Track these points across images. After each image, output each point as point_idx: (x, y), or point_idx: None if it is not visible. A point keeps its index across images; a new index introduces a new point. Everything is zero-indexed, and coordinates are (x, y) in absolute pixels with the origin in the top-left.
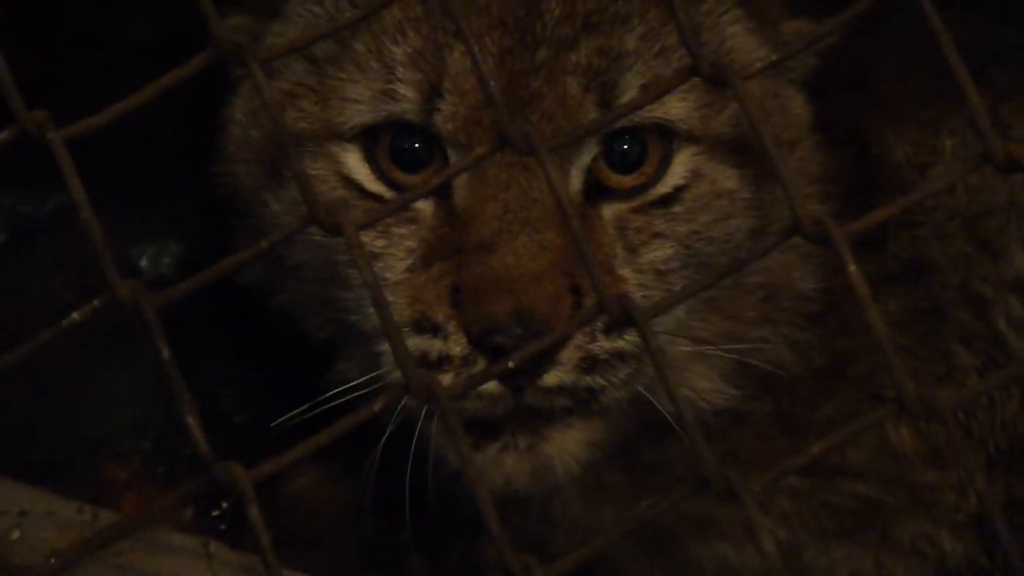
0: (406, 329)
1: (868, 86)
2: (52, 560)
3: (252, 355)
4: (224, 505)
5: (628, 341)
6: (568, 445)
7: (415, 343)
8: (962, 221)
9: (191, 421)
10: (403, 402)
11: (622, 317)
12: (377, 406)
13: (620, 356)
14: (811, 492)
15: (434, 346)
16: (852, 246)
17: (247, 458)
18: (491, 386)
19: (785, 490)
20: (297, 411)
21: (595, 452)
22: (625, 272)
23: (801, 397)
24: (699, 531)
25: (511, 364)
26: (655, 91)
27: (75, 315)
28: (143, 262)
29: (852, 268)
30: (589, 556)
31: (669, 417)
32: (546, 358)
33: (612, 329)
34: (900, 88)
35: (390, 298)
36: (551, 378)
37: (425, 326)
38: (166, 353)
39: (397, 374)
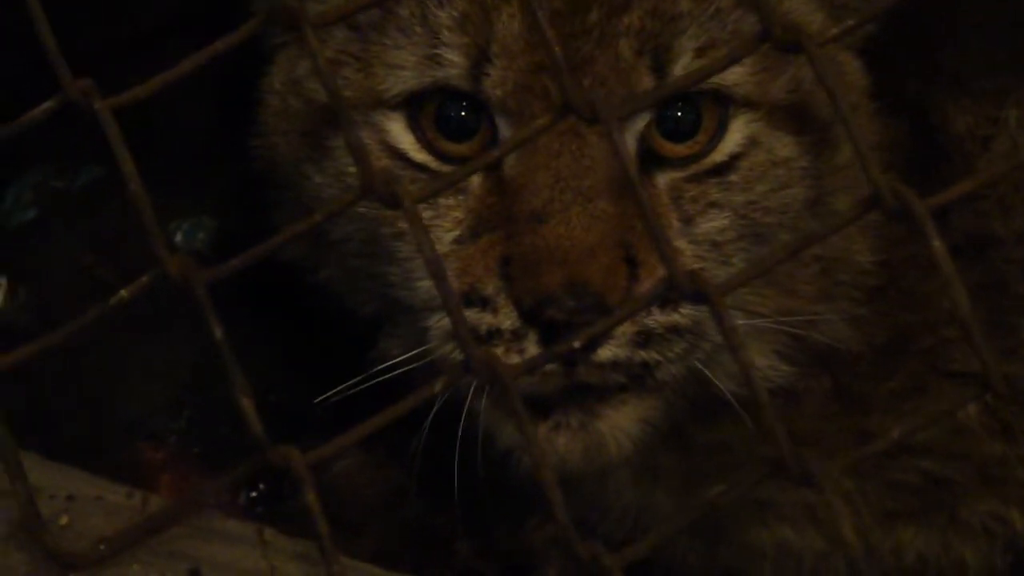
0: None
1: (927, 55)
2: (102, 547)
3: (291, 333)
4: (261, 487)
5: (684, 315)
6: (622, 423)
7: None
8: None
9: (245, 403)
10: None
11: (693, 293)
12: (438, 387)
13: (675, 330)
14: (876, 471)
15: (484, 320)
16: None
17: (286, 439)
18: None
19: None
20: (340, 388)
21: (649, 431)
22: (681, 243)
23: (862, 374)
24: (760, 515)
25: (576, 344)
26: (727, 57)
27: (123, 292)
28: (178, 238)
29: (936, 243)
30: (658, 543)
31: (728, 395)
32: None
33: (667, 303)
34: (961, 58)
35: None
36: (604, 352)
37: (474, 299)
38: (219, 332)
39: (445, 349)
